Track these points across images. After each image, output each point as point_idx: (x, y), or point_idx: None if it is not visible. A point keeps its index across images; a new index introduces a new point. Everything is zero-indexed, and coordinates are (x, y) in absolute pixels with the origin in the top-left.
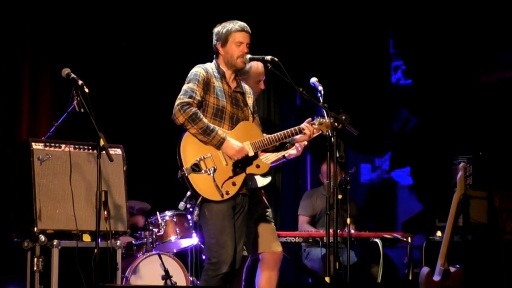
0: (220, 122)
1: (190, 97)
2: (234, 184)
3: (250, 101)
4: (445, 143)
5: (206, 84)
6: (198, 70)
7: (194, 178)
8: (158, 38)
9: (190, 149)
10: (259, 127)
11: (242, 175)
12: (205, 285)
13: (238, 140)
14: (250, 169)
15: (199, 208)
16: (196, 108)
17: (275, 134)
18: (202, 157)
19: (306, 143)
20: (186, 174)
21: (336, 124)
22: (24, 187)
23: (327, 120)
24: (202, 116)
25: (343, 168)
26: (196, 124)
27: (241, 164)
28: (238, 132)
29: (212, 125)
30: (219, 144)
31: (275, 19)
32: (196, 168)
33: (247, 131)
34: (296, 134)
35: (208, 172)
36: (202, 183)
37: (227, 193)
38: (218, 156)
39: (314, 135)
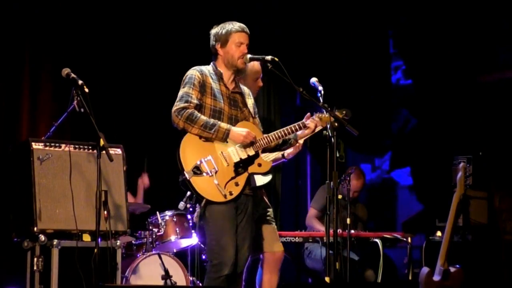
0: None
1: (186, 101)
2: (237, 184)
3: (249, 102)
4: (445, 143)
5: (202, 86)
6: (193, 73)
7: (196, 181)
8: (158, 38)
9: (190, 153)
10: (259, 127)
11: (245, 175)
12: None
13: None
14: (252, 168)
15: (202, 210)
16: (193, 109)
17: (275, 132)
18: (203, 160)
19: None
20: (188, 178)
21: (336, 124)
22: (24, 187)
23: (326, 115)
24: (199, 114)
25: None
26: (195, 123)
27: (243, 164)
28: None
29: (212, 120)
30: (225, 136)
31: (276, 19)
32: (197, 171)
33: None
34: (297, 130)
35: (210, 174)
36: (204, 186)
37: (230, 193)
38: (218, 158)
39: (317, 130)
